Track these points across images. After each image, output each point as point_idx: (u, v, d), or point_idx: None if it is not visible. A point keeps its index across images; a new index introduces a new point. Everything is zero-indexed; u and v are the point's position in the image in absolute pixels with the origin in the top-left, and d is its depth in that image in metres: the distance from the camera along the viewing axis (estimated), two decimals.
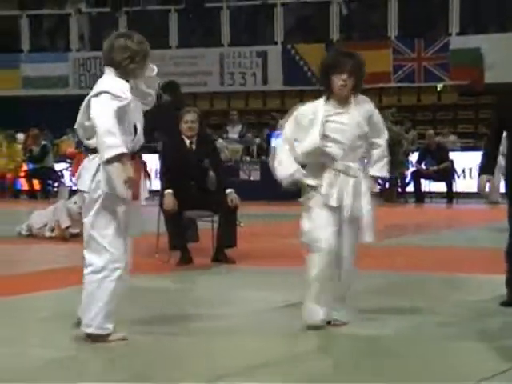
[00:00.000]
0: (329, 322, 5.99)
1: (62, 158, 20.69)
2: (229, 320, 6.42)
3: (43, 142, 20.56)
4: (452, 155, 18.94)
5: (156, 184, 11.86)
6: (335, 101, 6.11)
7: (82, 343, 5.61)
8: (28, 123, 20.75)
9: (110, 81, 5.67)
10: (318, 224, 6.04)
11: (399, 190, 19.40)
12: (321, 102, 6.19)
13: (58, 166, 20.49)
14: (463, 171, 19.12)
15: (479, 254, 10.16)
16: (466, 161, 18.99)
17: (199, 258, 9.22)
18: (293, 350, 5.53)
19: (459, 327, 6.16)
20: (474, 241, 11.43)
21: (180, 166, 9.18)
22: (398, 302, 7.15)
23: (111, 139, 5.40)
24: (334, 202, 6.03)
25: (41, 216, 11.97)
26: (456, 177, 18.97)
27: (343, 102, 6.10)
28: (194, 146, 9.33)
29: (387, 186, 18.73)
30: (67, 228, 11.41)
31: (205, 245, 9.63)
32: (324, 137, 5.99)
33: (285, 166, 6.20)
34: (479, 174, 7.15)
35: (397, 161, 18.93)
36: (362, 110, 6.13)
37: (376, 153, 6.22)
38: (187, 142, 9.32)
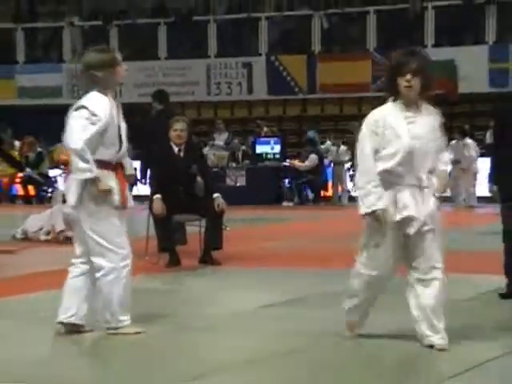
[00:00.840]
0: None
1: (55, 165, 20.60)
2: (215, 319, 6.40)
3: (39, 149, 20.49)
4: None
5: (143, 189, 11.94)
6: (403, 105, 5.30)
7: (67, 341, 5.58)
8: (23, 131, 20.67)
9: (92, 97, 5.72)
10: (378, 255, 5.48)
11: None
12: (388, 106, 5.35)
13: (51, 173, 20.41)
14: None
15: (453, 254, 10.16)
16: None
17: (187, 259, 9.19)
18: (276, 348, 5.50)
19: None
20: (454, 243, 11.42)
21: (169, 172, 9.16)
22: (381, 300, 7.13)
23: (81, 163, 5.54)
24: (398, 217, 5.29)
25: (36, 220, 11.90)
26: None
27: (412, 106, 5.31)
28: (182, 153, 9.31)
29: None
30: (62, 231, 11.35)
31: (192, 247, 9.61)
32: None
33: (370, 199, 5.36)
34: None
35: None
36: (432, 116, 5.34)
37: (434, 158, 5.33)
38: (176, 149, 9.29)
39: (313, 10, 23.01)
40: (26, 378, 4.78)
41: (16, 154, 20.57)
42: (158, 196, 8.93)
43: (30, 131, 20.54)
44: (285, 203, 19.58)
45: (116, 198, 5.68)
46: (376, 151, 5.24)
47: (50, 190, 20.17)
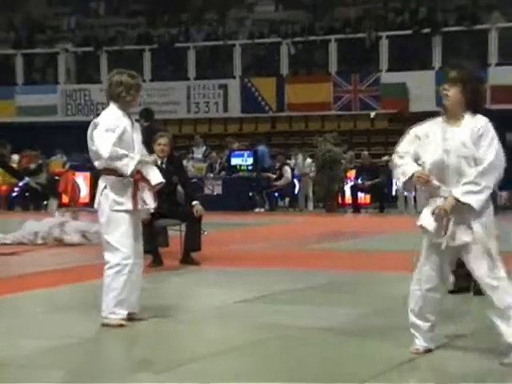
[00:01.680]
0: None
1: (52, 175, 20.45)
2: (194, 313, 6.38)
3: (39, 161, 20.32)
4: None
5: None
6: (446, 117, 4.81)
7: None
8: (22, 146, 20.48)
9: (107, 113, 5.88)
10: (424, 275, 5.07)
11: (339, 201, 19.47)
12: (437, 118, 4.86)
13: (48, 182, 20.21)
14: None
15: (408, 255, 10.21)
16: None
17: (169, 260, 9.15)
18: (250, 339, 5.49)
19: (390, 318, 6.17)
20: (403, 244, 11.47)
21: None
22: (338, 296, 7.15)
23: (119, 162, 5.71)
24: (440, 239, 4.80)
25: (33, 225, 11.77)
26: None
27: (453, 117, 4.78)
28: (164, 165, 9.27)
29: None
30: (60, 239, 11.30)
31: (173, 249, 9.57)
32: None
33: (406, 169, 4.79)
34: None
35: (337, 176, 19.05)
36: (471, 128, 4.69)
37: (469, 174, 4.65)
38: (158, 161, 9.24)
39: (281, 38, 23.04)
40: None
41: (14, 166, 20.38)
42: None
43: (27, 145, 20.36)
44: (257, 210, 19.59)
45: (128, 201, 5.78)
46: (417, 157, 4.82)
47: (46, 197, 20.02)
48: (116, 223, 5.77)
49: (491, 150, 4.63)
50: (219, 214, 15.68)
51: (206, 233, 9.84)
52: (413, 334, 4.97)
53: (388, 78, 21.56)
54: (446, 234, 4.72)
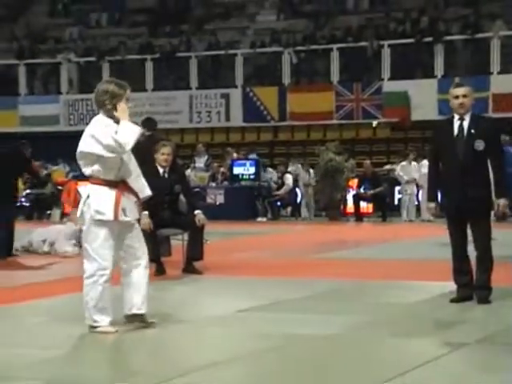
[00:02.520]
0: None
1: (56, 185, 20.47)
2: (198, 321, 6.39)
3: (45, 172, 20.35)
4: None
5: None
6: None
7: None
8: None
9: (97, 123, 5.86)
10: None
11: (342, 209, 19.48)
12: None
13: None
14: None
15: (410, 263, 10.22)
16: None
17: (171, 269, 9.16)
18: (254, 347, 5.49)
19: (392, 326, 6.17)
20: (406, 253, 11.49)
21: (155, 191, 9.12)
22: (340, 305, 7.16)
23: (128, 133, 5.76)
24: None
25: (42, 232, 11.85)
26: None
27: None
28: (166, 174, 9.29)
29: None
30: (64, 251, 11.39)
31: (176, 258, 9.58)
32: None
33: None
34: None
35: (339, 185, 19.07)
36: None
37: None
38: (161, 170, 9.27)
39: (283, 47, 23.08)
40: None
41: None
42: (145, 212, 8.90)
43: (30, 155, 20.36)
44: (259, 219, 19.60)
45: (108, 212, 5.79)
46: None
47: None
48: (95, 233, 5.82)
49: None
50: (221, 223, 15.68)
51: (208, 242, 9.86)
52: None
53: (390, 86, 21.59)
54: None
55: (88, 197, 5.87)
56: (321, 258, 10.99)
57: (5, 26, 27.46)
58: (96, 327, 5.82)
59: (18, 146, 12.80)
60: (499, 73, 20.42)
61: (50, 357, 5.19)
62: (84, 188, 5.98)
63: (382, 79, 21.77)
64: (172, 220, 9.13)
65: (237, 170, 19.96)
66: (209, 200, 18.99)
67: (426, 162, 18.20)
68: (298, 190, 20.12)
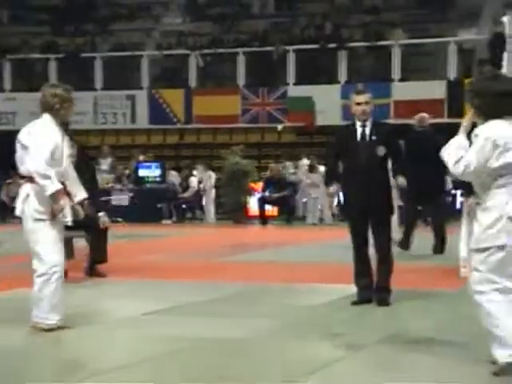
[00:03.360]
0: None
1: None
2: (102, 325, 6.31)
3: None
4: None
5: None
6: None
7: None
8: None
9: (42, 124, 6.02)
10: None
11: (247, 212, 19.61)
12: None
13: None
14: None
15: (313, 266, 10.36)
16: None
17: (74, 272, 9.00)
18: (158, 350, 5.47)
19: (297, 328, 6.25)
20: (309, 256, 11.65)
21: None
22: (245, 307, 7.20)
23: (46, 181, 5.80)
24: None
25: None
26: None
27: None
28: None
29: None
30: None
31: (79, 261, 9.43)
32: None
33: None
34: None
35: (244, 188, 19.19)
36: None
37: None
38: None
39: (189, 50, 23.06)
40: None
41: None
42: (102, 213, 8.77)
43: None
44: (164, 221, 19.52)
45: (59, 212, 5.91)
46: None
47: None
48: (41, 232, 5.92)
49: None
50: (126, 225, 15.54)
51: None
52: None
53: (295, 91, 21.85)
54: None
55: (28, 195, 5.93)
56: (226, 261, 11.03)
57: None
58: (48, 326, 5.87)
59: None
60: (400, 80, 20.96)
61: None
62: (24, 187, 5.99)
63: (287, 84, 22.01)
64: (74, 222, 8.96)
65: (142, 173, 19.84)
66: (114, 202, 18.78)
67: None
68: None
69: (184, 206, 20.17)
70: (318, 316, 6.74)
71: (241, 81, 22.41)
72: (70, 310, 7.05)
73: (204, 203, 20.14)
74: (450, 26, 22.19)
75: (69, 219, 6.08)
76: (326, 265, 10.37)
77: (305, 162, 19.90)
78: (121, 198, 19.18)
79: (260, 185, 19.56)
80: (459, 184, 9.33)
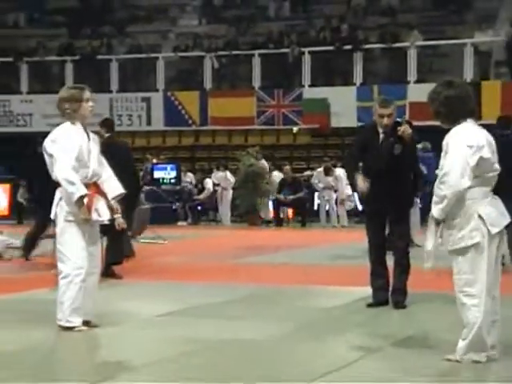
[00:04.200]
0: None
1: None
2: (118, 327, 6.32)
3: None
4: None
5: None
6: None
7: None
8: None
9: (63, 130, 6.05)
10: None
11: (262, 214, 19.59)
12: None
13: None
14: None
15: (329, 268, 10.34)
16: None
17: None
18: (173, 351, 5.46)
19: (311, 330, 6.23)
20: (324, 258, 11.62)
21: None
22: (259, 309, 7.19)
23: (71, 187, 5.88)
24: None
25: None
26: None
27: None
28: None
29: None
30: None
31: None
32: None
33: None
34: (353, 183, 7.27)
35: (261, 190, 19.17)
36: None
37: None
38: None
39: (205, 52, 23.08)
40: None
41: None
42: (118, 215, 8.79)
43: None
44: (179, 223, 19.55)
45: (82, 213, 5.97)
46: None
47: None
48: (69, 234, 5.99)
49: None
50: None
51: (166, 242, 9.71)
52: None
53: (310, 93, 21.82)
54: None
55: (61, 199, 6.02)
56: (241, 263, 11.02)
57: None
58: (69, 328, 5.92)
59: None
60: (416, 82, 20.88)
61: None
62: (57, 191, 6.08)
63: (303, 86, 21.98)
64: None
65: (157, 174, 19.87)
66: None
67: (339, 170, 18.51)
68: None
69: (199, 207, 20.18)
70: (332, 318, 6.72)
71: (256, 83, 22.41)
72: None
73: (221, 205, 20.10)
74: (466, 28, 22.10)
75: (105, 218, 6.15)
76: (341, 267, 10.34)
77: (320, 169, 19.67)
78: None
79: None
80: None
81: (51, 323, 6.07)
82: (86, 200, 5.97)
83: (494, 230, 4.90)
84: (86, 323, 6.07)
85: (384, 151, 6.98)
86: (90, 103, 6.14)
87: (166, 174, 19.90)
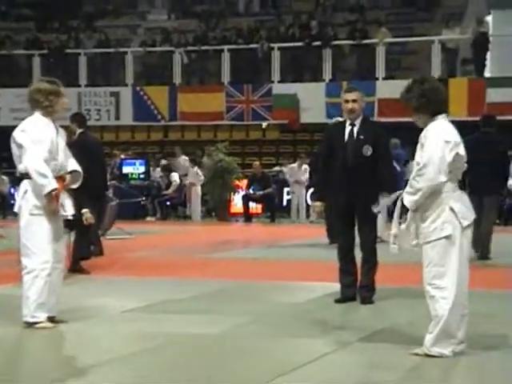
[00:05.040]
0: None
1: None
2: (81, 322, 6.24)
3: None
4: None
5: None
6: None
7: None
8: None
9: (33, 121, 5.96)
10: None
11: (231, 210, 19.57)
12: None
13: None
14: None
15: (297, 264, 10.34)
16: None
17: None
18: (138, 347, 5.41)
19: (278, 326, 6.22)
20: (293, 253, 11.63)
21: None
22: (226, 305, 7.16)
23: (43, 179, 5.78)
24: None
25: None
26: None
27: None
28: None
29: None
30: None
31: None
32: None
33: None
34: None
35: (228, 185, 19.13)
36: None
37: None
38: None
39: (174, 47, 22.96)
40: None
41: None
42: (86, 210, 8.72)
43: None
44: (148, 218, 19.44)
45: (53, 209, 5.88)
46: None
47: None
48: (35, 228, 5.87)
49: None
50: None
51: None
52: None
53: (279, 89, 21.81)
54: None
55: (26, 192, 5.91)
56: (209, 258, 10.98)
57: None
58: (34, 323, 5.84)
59: None
60: (384, 78, 20.96)
61: None
62: (22, 183, 5.97)
63: (272, 81, 21.96)
64: None
65: (126, 169, 19.74)
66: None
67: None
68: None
69: (168, 202, 20.08)
70: (300, 313, 6.70)
71: (225, 78, 22.34)
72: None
73: (190, 201, 20.01)
74: (434, 25, 22.24)
75: (69, 213, 6.05)
76: (310, 262, 10.35)
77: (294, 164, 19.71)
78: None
79: (244, 182, 19.51)
80: None
81: (14, 320, 5.99)
82: (53, 193, 5.88)
83: (465, 223, 4.97)
84: (50, 319, 5.98)
85: (351, 151, 6.94)
86: (65, 99, 6.11)
87: (134, 169, 19.79)
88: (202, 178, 19.46)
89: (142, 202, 19.41)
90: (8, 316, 6.18)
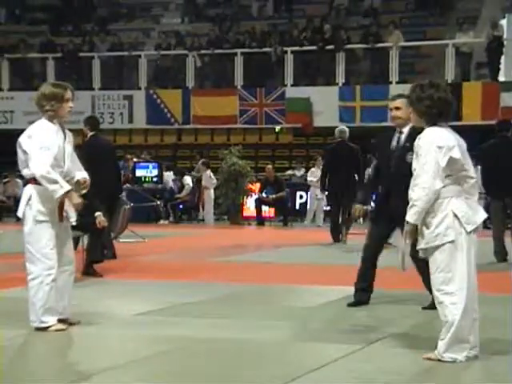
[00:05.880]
0: None
1: None
2: (94, 326, 6.27)
3: None
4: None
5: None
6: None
7: None
8: None
9: (40, 126, 5.92)
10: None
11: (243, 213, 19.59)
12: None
13: None
14: None
15: (310, 268, 10.35)
16: None
17: None
18: (149, 351, 5.44)
19: (293, 329, 6.23)
20: (306, 257, 11.63)
21: None
22: (239, 308, 7.18)
23: (53, 185, 5.77)
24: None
25: None
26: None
27: None
28: None
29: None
30: None
31: (77, 260, 9.39)
32: None
33: None
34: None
35: (241, 189, 19.16)
36: None
37: None
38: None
39: (187, 50, 23.03)
40: None
41: None
42: (98, 213, 8.78)
43: None
44: (161, 221, 19.49)
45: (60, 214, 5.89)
46: None
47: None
48: (39, 234, 5.86)
49: None
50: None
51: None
52: None
53: (292, 92, 21.83)
54: None
55: (30, 198, 5.89)
56: (222, 262, 11.00)
57: None
58: (45, 328, 5.85)
59: None
60: (398, 82, 20.94)
61: None
62: (26, 189, 5.97)
63: (285, 85, 21.99)
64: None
65: (139, 173, 19.81)
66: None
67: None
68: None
69: (181, 206, 20.12)
70: (313, 317, 6.71)
71: (239, 81, 22.39)
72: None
73: (204, 203, 20.02)
74: (448, 29, 22.20)
75: (72, 220, 6.05)
76: (323, 266, 10.35)
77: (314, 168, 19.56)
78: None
79: (257, 186, 19.53)
80: None
81: (25, 323, 6.03)
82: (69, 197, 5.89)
83: (470, 228, 4.95)
84: (62, 321, 6.00)
85: (396, 159, 6.90)
86: (70, 104, 6.01)
87: (147, 172, 19.85)
88: (215, 181, 19.49)
89: (155, 206, 19.47)
90: (19, 319, 6.21)
